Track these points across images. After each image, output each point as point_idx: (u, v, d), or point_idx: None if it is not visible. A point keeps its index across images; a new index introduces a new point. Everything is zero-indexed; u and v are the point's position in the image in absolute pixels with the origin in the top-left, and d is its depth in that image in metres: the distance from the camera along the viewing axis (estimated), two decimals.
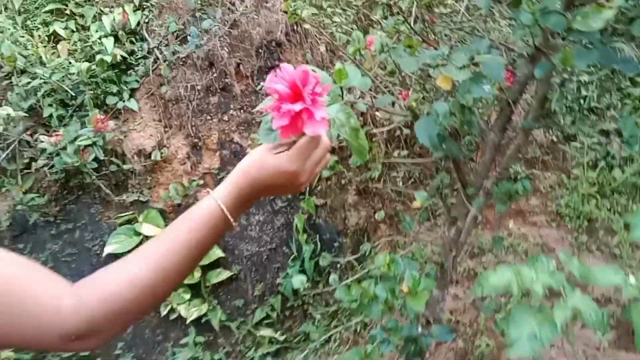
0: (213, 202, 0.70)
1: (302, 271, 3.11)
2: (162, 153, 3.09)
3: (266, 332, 3.06)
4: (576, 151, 3.74)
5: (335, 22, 3.22)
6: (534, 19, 1.34)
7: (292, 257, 3.12)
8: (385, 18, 2.01)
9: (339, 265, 3.12)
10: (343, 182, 3.20)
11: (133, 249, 2.35)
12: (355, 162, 2.13)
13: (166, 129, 3.15)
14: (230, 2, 3.09)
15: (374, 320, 3.02)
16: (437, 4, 2.56)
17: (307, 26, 3.11)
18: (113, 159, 3.02)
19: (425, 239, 3.44)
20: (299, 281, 1.97)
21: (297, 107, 0.69)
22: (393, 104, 1.58)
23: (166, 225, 3.10)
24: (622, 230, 3.46)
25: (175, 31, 3.15)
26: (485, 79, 1.28)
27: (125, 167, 3.04)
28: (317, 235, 3.19)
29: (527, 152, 3.74)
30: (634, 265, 3.36)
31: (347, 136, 0.85)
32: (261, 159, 0.73)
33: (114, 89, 3.10)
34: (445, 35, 2.52)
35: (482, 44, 1.71)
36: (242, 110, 3.13)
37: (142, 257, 0.66)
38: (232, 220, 0.71)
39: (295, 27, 3.12)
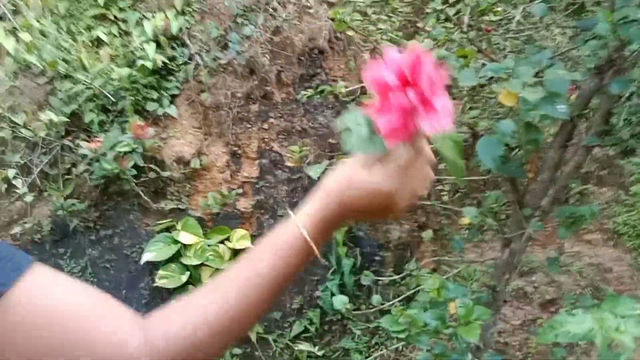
0: (295, 229, 0.60)
1: (342, 285, 3.01)
2: (201, 161, 3.05)
3: (304, 346, 2.97)
4: (635, 166, 3.51)
5: (380, 29, 3.11)
6: (612, 29, 1.21)
7: (331, 270, 3.02)
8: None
9: (380, 282, 3.00)
10: None
11: (171, 257, 2.28)
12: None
13: (206, 137, 3.11)
14: (272, 8, 3.03)
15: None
16: (488, 11, 2.42)
17: (350, 33, 3.02)
18: (152, 166, 2.98)
19: (472, 258, 3.28)
20: (340, 302, 1.87)
21: (412, 95, 0.55)
22: None
23: (204, 234, 3.07)
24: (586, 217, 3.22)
25: (216, 37, 3.11)
26: (559, 97, 1.15)
27: (164, 174, 3.00)
28: (358, 249, 3.08)
29: (582, 167, 3.53)
30: None
31: (446, 149, 0.73)
32: (350, 176, 0.60)
33: (154, 95, 3.07)
34: (496, 44, 2.37)
35: (544, 55, 1.57)
36: (282, 119, 3.05)
37: (218, 294, 0.57)
38: (315, 250, 0.60)
39: (338, 34, 3.03)
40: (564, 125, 1.75)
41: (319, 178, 1.76)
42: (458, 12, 2.07)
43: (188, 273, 2.91)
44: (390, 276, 2.77)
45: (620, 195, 3.58)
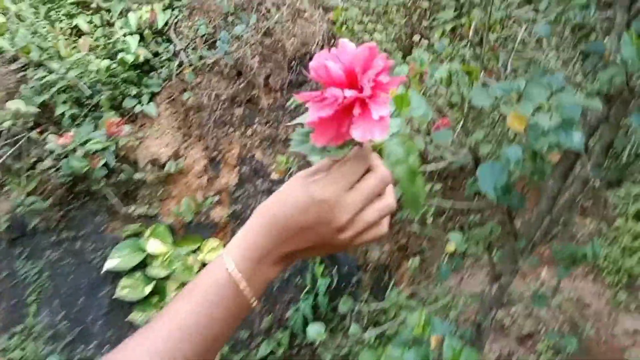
0: (223, 266, 0.50)
1: (315, 306, 2.86)
2: (177, 164, 2.87)
3: None
4: (620, 199, 3.46)
5: (375, 39, 2.99)
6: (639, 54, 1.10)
7: (305, 290, 2.87)
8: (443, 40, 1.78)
9: (356, 308, 2.87)
10: None
11: (136, 266, 2.09)
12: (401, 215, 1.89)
13: (185, 139, 2.94)
14: (265, 9, 2.88)
15: None
16: (495, 27, 2.33)
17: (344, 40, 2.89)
18: (124, 166, 2.80)
19: (451, 285, 3.18)
20: (314, 332, 1.72)
21: (349, 93, 0.48)
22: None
23: (174, 243, 2.89)
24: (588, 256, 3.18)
25: (204, 35, 2.95)
26: (574, 125, 1.04)
27: (136, 176, 2.82)
28: (335, 268, 2.94)
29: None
30: None
31: (401, 175, 0.59)
32: (286, 191, 0.52)
33: (134, 91, 2.90)
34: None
35: (556, 78, 1.47)
36: (267, 125, 2.90)
37: (145, 349, 0.48)
38: (247, 291, 0.50)
39: (332, 41, 2.90)
40: (566, 154, 1.65)
41: None
42: (462, 25, 1.96)
43: (153, 284, 2.73)
44: (367, 300, 2.64)
45: (603, 228, 3.53)
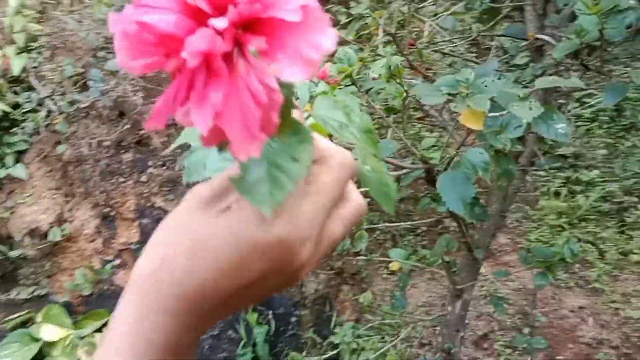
0: None
1: (255, 358, 2.53)
2: (62, 230, 2.42)
3: None
4: (540, 179, 3.49)
5: None
6: (599, 22, 0.94)
7: (241, 343, 2.53)
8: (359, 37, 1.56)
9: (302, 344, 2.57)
10: None
11: None
12: None
13: (67, 199, 2.49)
14: None
15: None
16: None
17: None
18: None
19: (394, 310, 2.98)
20: None
21: (219, 23, 0.23)
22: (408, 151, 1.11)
23: (74, 324, 2.42)
24: (597, 261, 3.21)
25: (72, 76, 2.54)
26: (557, 114, 0.85)
27: (12, 253, 2.34)
28: (270, 312, 2.63)
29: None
30: (617, 299, 3.09)
31: (371, 166, 0.38)
32: (193, 236, 0.30)
33: None
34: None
35: (491, 65, 1.30)
36: (164, 167, 2.54)
37: None
38: None
39: None
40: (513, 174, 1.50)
41: None
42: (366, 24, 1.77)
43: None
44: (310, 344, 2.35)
45: (527, 210, 3.54)
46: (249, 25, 0.25)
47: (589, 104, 3.15)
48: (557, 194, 3.47)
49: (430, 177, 1.13)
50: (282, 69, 0.24)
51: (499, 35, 1.64)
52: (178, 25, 0.24)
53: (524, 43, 1.55)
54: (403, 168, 1.12)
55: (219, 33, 0.24)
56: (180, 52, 0.24)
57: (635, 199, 3.46)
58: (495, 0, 1.65)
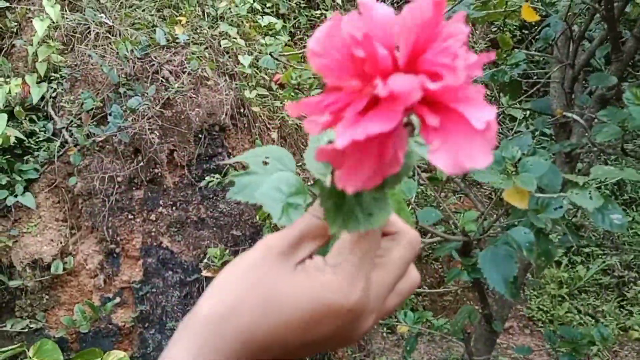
0: None
1: None
2: (65, 263, 2.37)
3: None
4: None
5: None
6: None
7: None
8: None
9: None
10: None
11: None
12: None
13: (73, 232, 2.46)
14: (163, 78, 2.57)
15: None
16: None
17: (255, 109, 2.66)
18: None
19: None
20: None
21: (412, 82, 0.25)
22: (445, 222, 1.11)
23: None
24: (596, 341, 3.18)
25: (91, 109, 2.55)
26: (612, 204, 0.87)
27: (12, 283, 2.27)
28: None
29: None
30: None
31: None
32: (267, 288, 0.31)
33: (3, 180, 2.39)
34: None
35: (525, 141, 1.33)
36: (174, 208, 2.52)
37: None
38: None
39: (242, 110, 2.65)
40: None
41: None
42: None
43: None
44: None
45: (528, 278, 3.53)
46: (430, 97, 0.26)
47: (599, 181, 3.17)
48: (558, 264, 3.48)
49: (466, 249, 1.13)
50: (437, 153, 0.25)
51: (526, 109, 1.68)
52: (381, 60, 0.26)
53: (552, 119, 1.59)
54: (439, 236, 1.13)
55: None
56: (374, 79, 0.25)
57: (635, 275, 3.48)
58: (522, 75, 1.71)
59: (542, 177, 1.04)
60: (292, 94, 1.27)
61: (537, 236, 1.06)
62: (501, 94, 1.85)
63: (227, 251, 1.78)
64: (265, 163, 0.42)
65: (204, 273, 2.17)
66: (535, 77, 1.85)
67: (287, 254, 0.32)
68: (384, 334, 2.97)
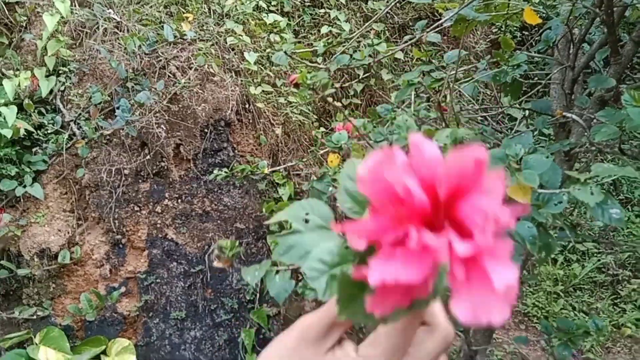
0: None
1: None
2: (72, 253, 2.42)
3: None
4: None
5: (291, 102, 2.85)
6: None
7: None
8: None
9: None
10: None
11: None
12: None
13: (79, 223, 2.50)
14: (170, 73, 2.62)
15: None
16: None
17: (260, 105, 2.71)
18: (4, 261, 2.29)
19: None
20: None
21: (463, 248, 0.27)
22: None
23: (73, 349, 2.38)
24: (591, 332, 3.24)
25: (99, 103, 2.59)
26: (611, 199, 0.92)
27: (20, 272, 2.32)
28: None
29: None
30: None
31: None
32: None
33: (12, 170, 2.43)
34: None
35: (526, 139, 1.38)
36: (179, 200, 2.57)
37: None
38: None
39: (247, 106, 2.70)
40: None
41: (257, 285, 1.35)
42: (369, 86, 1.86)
43: None
44: None
45: (525, 275, 3.59)
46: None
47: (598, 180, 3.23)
48: (554, 261, 3.55)
49: None
50: (458, 303, 0.27)
51: (527, 109, 1.74)
52: (421, 208, 0.28)
53: (552, 119, 1.64)
54: None
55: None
56: (412, 228, 0.27)
57: (629, 273, 3.54)
58: (523, 76, 1.76)
59: (544, 174, 1.10)
60: (307, 94, 1.32)
61: (538, 230, 1.11)
62: (502, 94, 1.90)
63: (237, 243, 1.82)
64: (306, 221, 0.42)
65: (215, 264, 2.21)
66: (535, 78, 1.90)
67: (320, 339, 0.36)
68: None
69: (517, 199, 1.05)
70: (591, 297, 3.44)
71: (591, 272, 3.51)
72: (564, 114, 1.56)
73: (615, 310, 3.37)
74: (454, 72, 1.56)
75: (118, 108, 2.54)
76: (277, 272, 1.50)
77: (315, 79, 1.16)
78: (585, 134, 1.38)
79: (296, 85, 1.23)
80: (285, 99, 2.82)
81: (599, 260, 3.54)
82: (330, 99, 2.77)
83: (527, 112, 1.89)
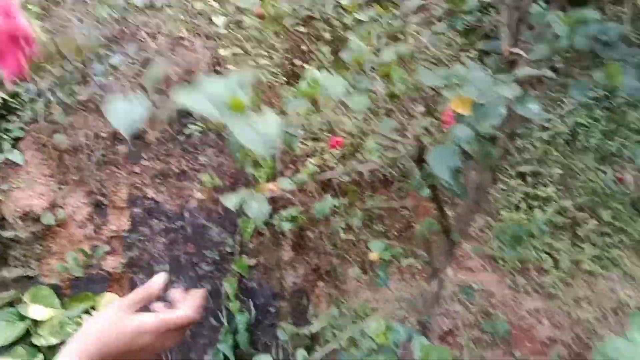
0: None
1: (236, 346, 2.64)
2: (55, 215, 2.51)
3: None
4: (502, 193, 3.77)
5: (260, 64, 2.95)
6: (569, 31, 1.18)
7: (223, 331, 2.65)
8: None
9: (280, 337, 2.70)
10: (278, 234, 2.84)
11: (18, 339, 1.74)
12: (319, 211, 1.81)
13: (61, 186, 2.59)
14: (140, 39, 2.70)
15: None
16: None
17: (230, 67, 2.81)
18: None
19: (366, 297, 3.16)
20: None
21: None
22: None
23: (62, 305, 2.49)
24: (553, 269, 3.48)
25: (72, 70, 2.66)
26: (530, 98, 1.07)
27: (5, 234, 2.41)
28: (251, 302, 2.76)
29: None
30: (570, 303, 3.36)
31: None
32: (118, 320, 0.63)
33: None
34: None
35: (471, 65, 1.53)
36: (157, 160, 2.68)
37: None
38: None
39: (217, 68, 2.80)
40: (483, 145, 1.72)
41: (237, 211, 1.49)
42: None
43: (41, 357, 2.32)
44: (302, 329, 2.50)
45: (490, 222, 3.79)
46: None
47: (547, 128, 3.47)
48: (517, 208, 3.76)
49: (420, 156, 1.33)
50: None
51: (479, 50, 1.89)
52: None
53: (502, 57, 1.80)
54: (395, 140, 1.33)
55: None
56: None
57: (587, 215, 3.78)
58: (474, 21, 1.91)
59: (483, 89, 1.25)
60: (271, 23, 1.44)
61: (479, 140, 1.27)
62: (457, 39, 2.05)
63: (215, 176, 1.95)
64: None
65: (197, 195, 2.35)
66: (486, 23, 2.05)
67: (130, 306, 0.64)
68: (357, 274, 3.20)
69: (459, 110, 1.20)
70: (552, 239, 3.66)
71: (552, 216, 3.73)
72: (511, 50, 1.71)
73: (575, 249, 3.60)
74: (412, 19, 1.70)
75: (94, 73, 2.61)
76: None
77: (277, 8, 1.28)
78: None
79: (261, 17, 1.35)
80: (254, 62, 2.92)
81: (558, 204, 3.76)
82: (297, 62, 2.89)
83: (480, 53, 2.05)
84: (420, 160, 1.41)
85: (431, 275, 1.84)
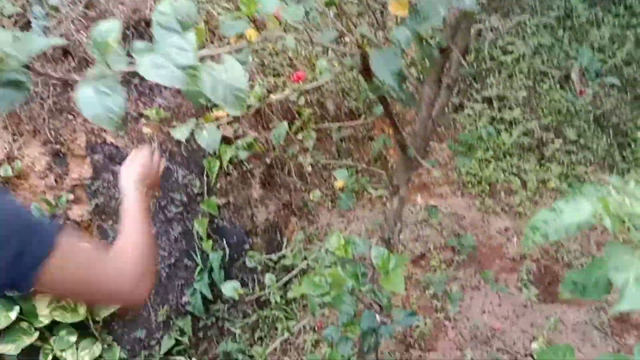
0: (134, 201, 1.13)
1: (212, 284, 2.68)
2: (13, 167, 2.45)
3: None
4: (467, 118, 3.79)
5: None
6: None
7: (198, 270, 2.67)
8: None
9: (257, 269, 2.74)
10: (245, 172, 2.82)
11: None
12: (276, 137, 1.79)
13: (15, 137, 2.51)
14: None
15: (302, 324, 2.70)
16: None
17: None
18: None
19: (340, 224, 3.21)
20: (230, 289, 1.58)
21: None
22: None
23: None
24: (520, 189, 3.55)
25: (11, 15, 2.52)
26: None
27: None
28: (224, 241, 2.78)
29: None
30: None
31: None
32: (134, 168, 1.21)
33: None
34: None
35: None
36: None
37: (132, 234, 1.03)
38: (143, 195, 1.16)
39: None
40: (436, 61, 1.70)
41: (187, 140, 1.47)
42: None
43: (17, 308, 2.32)
44: (270, 256, 2.54)
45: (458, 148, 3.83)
46: None
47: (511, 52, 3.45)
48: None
49: (366, 65, 1.30)
50: None
51: None
52: None
53: None
54: (338, 51, 1.30)
55: None
56: None
57: (552, 135, 3.83)
58: None
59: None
60: None
61: (420, 41, 1.24)
62: None
63: (162, 110, 1.91)
64: None
65: (145, 130, 2.31)
66: None
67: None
68: (328, 209, 3.24)
69: (397, 13, 1.17)
70: (520, 160, 3.72)
71: (518, 137, 3.77)
72: None
73: (541, 169, 3.67)
74: None
75: (34, 17, 2.48)
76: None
77: None
78: None
79: None
80: None
81: (524, 126, 3.79)
82: None
83: None
84: (366, 70, 1.39)
85: (391, 193, 1.86)
